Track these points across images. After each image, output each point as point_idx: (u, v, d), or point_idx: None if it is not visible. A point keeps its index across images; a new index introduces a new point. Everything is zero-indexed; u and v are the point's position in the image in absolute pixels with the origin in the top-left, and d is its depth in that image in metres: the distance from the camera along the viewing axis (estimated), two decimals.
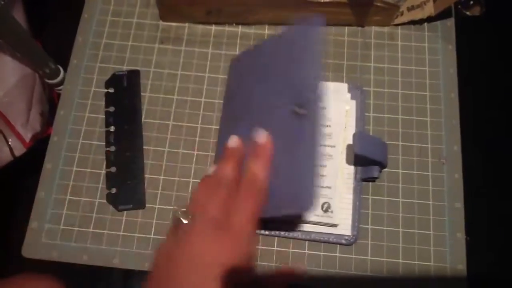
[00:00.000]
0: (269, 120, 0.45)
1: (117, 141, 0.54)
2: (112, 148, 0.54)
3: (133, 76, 0.57)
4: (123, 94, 0.56)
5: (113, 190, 0.52)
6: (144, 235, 0.51)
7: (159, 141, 0.54)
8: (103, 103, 0.56)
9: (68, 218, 0.52)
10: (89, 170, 0.53)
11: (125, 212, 0.52)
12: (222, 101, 0.56)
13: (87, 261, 0.50)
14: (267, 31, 0.59)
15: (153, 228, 0.51)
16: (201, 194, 0.40)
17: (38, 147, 0.55)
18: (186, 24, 0.59)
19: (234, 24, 0.59)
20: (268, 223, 0.50)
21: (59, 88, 0.93)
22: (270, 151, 0.42)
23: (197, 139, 0.54)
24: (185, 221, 0.38)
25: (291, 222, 0.51)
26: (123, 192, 0.52)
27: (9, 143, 0.93)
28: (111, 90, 0.56)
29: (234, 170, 0.41)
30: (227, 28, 0.59)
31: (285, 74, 0.46)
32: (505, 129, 0.56)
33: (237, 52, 0.58)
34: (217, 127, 0.55)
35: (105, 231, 0.51)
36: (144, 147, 0.54)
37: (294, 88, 0.44)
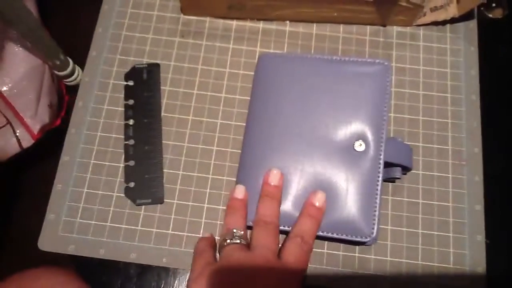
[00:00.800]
0: (326, 147, 0.49)
1: (136, 135, 0.53)
2: (131, 142, 0.53)
3: (153, 69, 0.56)
4: (143, 87, 0.55)
5: (131, 184, 0.52)
6: (162, 231, 0.51)
7: (178, 135, 0.54)
8: (122, 96, 0.55)
9: (86, 212, 0.51)
10: (107, 163, 0.53)
11: (143, 206, 0.51)
12: (242, 97, 0.55)
13: (104, 255, 0.50)
14: (288, 27, 0.58)
15: (171, 224, 0.51)
16: (257, 232, 0.46)
17: (46, 139, 0.54)
18: (207, 18, 0.58)
19: (255, 20, 0.58)
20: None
21: (68, 80, 0.92)
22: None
23: (217, 134, 0.54)
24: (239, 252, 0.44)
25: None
26: (142, 186, 0.52)
27: (17, 134, 0.92)
28: (131, 83, 0.55)
29: (277, 213, 0.48)
30: (248, 24, 0.58)
31: (348, 107, 0.50)
32: None
33: (257, 48, 0.57)
34: (237, 123, 0.54)
35: (123, 226, 0.51)
36: (163, 141, 0.53)
37: (359, 124, 0.49)
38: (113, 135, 0.54)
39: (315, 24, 0.58)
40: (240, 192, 0.48)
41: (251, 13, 0.57)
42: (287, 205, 0.48)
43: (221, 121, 0.54)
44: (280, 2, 0.55)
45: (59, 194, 0.52)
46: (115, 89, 0.55)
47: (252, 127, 0.52)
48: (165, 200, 0.52)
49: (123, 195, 0.52)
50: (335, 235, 0.47)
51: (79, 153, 0.53)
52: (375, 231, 0.47)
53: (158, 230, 0.51)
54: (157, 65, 0.56)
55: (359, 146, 0.48)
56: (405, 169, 0.50)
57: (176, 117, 0.55)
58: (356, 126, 0.49)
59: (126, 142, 0.53)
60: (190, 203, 0.52)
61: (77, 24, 0.59)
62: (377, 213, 0.48)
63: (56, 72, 1.03)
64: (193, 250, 0.49)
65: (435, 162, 0.53)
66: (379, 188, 0.48)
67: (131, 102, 0.55)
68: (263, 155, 0.50)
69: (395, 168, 0.50)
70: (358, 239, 0.47)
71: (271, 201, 0.47)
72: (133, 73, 0.56)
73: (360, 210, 0.47)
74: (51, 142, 0.54)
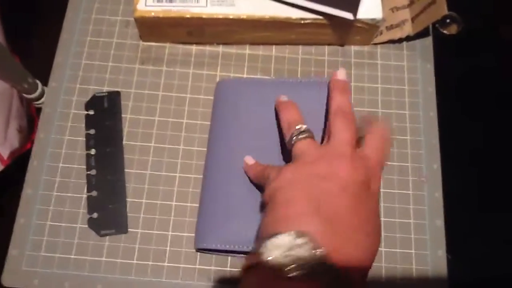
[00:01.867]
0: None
1: (98, 164, 0.53)
2: (93, 172, 0.53)
3: (114, 97, 0.56)
4: (104, 116, 0.55)
5: (95, 215, 0.52)
6: (127, 261, 0.51)
7: (140, 163, 0.54)
8: (83, 125, 0.55)
9: (49, 245, 0.51)
10: (70, 194, 0.53)
11: (107, 237, 0.51)
12: (203, 122, 0.55)
13: None
14: (248, 50, 0.59)
15: (136, 253, 0.51)
16: (337, 123, 0.42)
17: (17, 163, 0.53)
18: (167, 44, 0.59)
19: (215, 44, 0.59)
20: None
21: (38, 102, 0.92)
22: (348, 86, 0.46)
23: (179, 161, 0.54)
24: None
25: None
26: (105, 216, 0.52)
27: None
28: (91, 112, 0.55)
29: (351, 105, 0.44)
30: (208, 48, 0.59)
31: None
32: (484, 145, 0.57)
33: (218, 72, 0.58)
34: (200, 148, 0.55)
35: (88, 257, 0.51)
36: (125, 170, 0.54)
37: None
38: (75, 166, 0.54)
39: (274, 47, 0.59)
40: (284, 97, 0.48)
41: (211, 38, 0.58)
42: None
43: (183, 147, 0.55)
44: (238, 28, 0.55)
45: (22, 228, 0.51)
46: (76, 118, 0.55)
47: (213, 154, 0.52)
48: (129, 229, 0.52)
49: (86, 226, 0.52)
50: None
51: (42, 186, 0.53)
52: None
53: (123, 261, 0.51)
54: (118, 93, 0.56)
55: None
56: None
57: (138, 145, 0.55)
58: None
59: (88, 172, 0.53)
60: (154, 232, 0.52)
61: (50, 45, 0.59)
62: None
63: (25, 95, 1.03)
64: (162, 278, 0.50)
65: (395, 179, 0.54)
66: None
67: (92, 131, 0.55)
68: (225, 179, 0.50)
69: None
70: None
71: (344, 93, 0.44)
72: (94, 102, 0.56)
73: None
74: (22, 166, 0.53)
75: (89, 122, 0.55)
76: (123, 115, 0.56)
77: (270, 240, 0.35)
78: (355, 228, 0.36)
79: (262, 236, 0.37)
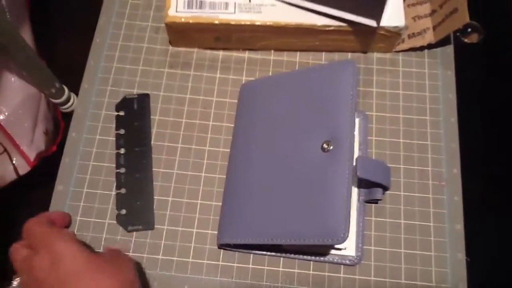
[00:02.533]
0: (296, 157, 0.49)
1: (127, 163, 0.55)
2: (122, 170, 0.55)
3: (144, 99, 0.58)
4: (133, 117, 0.57)
5: (123, 211, 0.54)
6: (153, 256, 0.52)
7: (168, 163, 0.56)
8: (113, 125, 0.57)
9: (79, 238, 0.53)
10: (99, 191, 0.55)
11: (134, 233, 0.53)
12: (229, 124, 0.57)
13: None
14: (273, 56, 0.61)
15: (161, 249, 0.53)
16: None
17: (42, 165, 0.56)
18: (195, 49, 0.61)
19: (241, 50, 0.61)
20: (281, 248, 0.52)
21: (64, 107, 0.95)
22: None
23: (205, 161, 0.56)
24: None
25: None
26: (133, 213, 0.54)
27: (14, 162, 0.94)
28: (122, 113, 0.58)
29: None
30: (234, 54, 0.61)
31: (315, 112, 0.49)
32: (504, 150, 0.58)
33: (243, 77, 0.60)
34: (225, 149, 0.56)
35: None
36: (153, 169, 0.55)
37: (325, 126, 0.48)
38: (105, 164, 0.56)
39: (298, 53, 0.61)
40: None
41: (237, 44, 0.60)
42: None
43: (209, 148, 0.57)
44: (264, 33, 0.57)
45: None
46: (107, 119, 0.58)
47: (235, 153, 0.54)
48: (155, 226, 0.53)
49: (115, 222, 0.53)
50: (306, 241, 0.45)
51: (73, 182, 0.55)
52: (347, 232, 0.44)
53: (148, 256, 0.52)
54: (147, 95, 0.58)
55: (328, 146, 0.47)
56: (384, 188, 0.52)
57: (166, 145, 0.57)
58: (326, 127, 0.48)
59: (118, 171, 0.55)
60: (179, 228, 0.53)
61: (74, 53, 0.61)
62: (362, 234, 0.49)
63: (52, 100, 1.06)
64: (183, 274, 0.51)
65: (416, 183, 0.55)
66: (361, 210, 0.50)
67: (122, 131, 0.57)
68: (246, 178, 0.52)
69: (375, 189, 0.52)
70: (329, 241, 0.44)
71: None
72: (124, 104, 0.58)
73: (330, 213, 0.45)
74: (47, 168, 0.55)
75: (119, 122, 0.57)
76: (152, 117, 0.58)
77: None
78: None
79: None
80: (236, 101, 0.58)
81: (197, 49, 0.61)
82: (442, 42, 0.60)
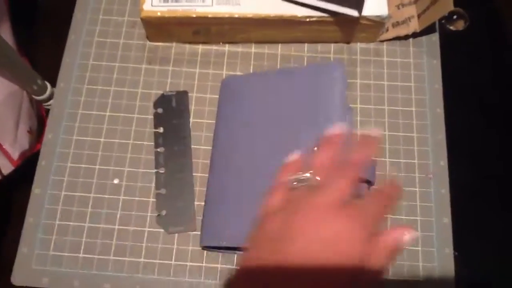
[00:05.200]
0: (283, 159, 0.46)
1: (167, 163, 0.54)
2: (162, 170, 0.54)
3: (182, 96, 0.57)
4: (172, 114, 0.56)
5: (163, 212, 0.53)
6: (135, 259, 0.51)
7: (147, 162, 0.54)
8: (90, 125, 0.56)
9: (58, 243, 0.52)
10: (78, 194, 0.53)
11: (114, 236, 0.52)
12: (209, 121, 0.56)
13: (78, 287, 0.50)
14: (254, 49, 0.59)
15: (143, 252, 0.51)
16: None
17: (27, 164, 0.54)
18: (173, 44, 0.59)
19: (221, 43, 0.59)
20: None
21: (47, 104, 0.92)
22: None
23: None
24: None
25: None
26: (174, 214, 0.53)
27: None
28: (160, 111, 0.56)
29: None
30: (214, 47, 0.59)
31: (304, 115, 0.49)
32: (492, 140, 0.57)
33: (224, 71, 0.58)
34: (206, 147, 0.55)
35: (95, 256, 0.51)
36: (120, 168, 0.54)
37: (315, 129, 0.45)
38: (83, 165, 0.54)
39: (280, 45, 0.59)
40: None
41: (216, 37, 0.58)
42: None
43: (192, 146, 0.55)
44: (243, 26, 0.56)
45: (29, 227, 0.52)
46: (84, 119, 0.56)
47: (217, 153, 0.53)
48: (136, 228, 0.52)
49: (94, 225, 0.52)
50: None
51: (50, 185, 0.53)
52: None
53: (130, 259, 0.51)
54: (185, 92, 0.57)
55: None
56: (369, 183, 0.51)
57: (145, 144, 0.55)
58: (317, 128, 0.45)
59: (157, 170, 0.54)
60: (161, 231, 0.52)
61: (56, 49, 0.59)
62: None
63: (35, 97, 1.04)
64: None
65: (402, 176, 0.54)
66: None
67: (161, 129, 0.55)
68: (229, 177, 0.51)
69: (360, 185, 0.50)
70: None
71: (368, 148, 0.37)
72: (162, 101, 0.57)
73: None
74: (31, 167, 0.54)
75: (158, 120, 0.56)
76: (130, 115, 0.56)
77: None
78: None
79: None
80: (217, 96, 0.57)
81: (176, 44, 0.59)
82: (427, 30, 0.58)
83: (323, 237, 0.31)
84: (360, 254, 0.30)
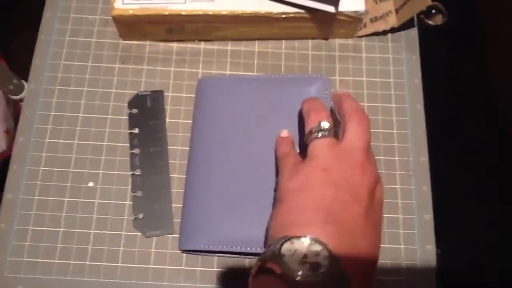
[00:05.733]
0: (265, 165, 0.48)
1: (142, 165, 0.53)
2: (138, 172, 0.53)
3: (157, 96, 0.55)
4: (147, 115, 0.55)
5: (140, 215, 0.51)
6: (111, 264, 0.50)
7: (122, 164, 0.53)
8: (63, 127, 0.54)
9: (32, 249, 0.50)
10: (51, 198, 0.52)
11: (91, 240, 0.50)
12: (186, 121, 0.54)
13: None
14: (230, 47, 0.58)
15: (120, 256, 0.50)
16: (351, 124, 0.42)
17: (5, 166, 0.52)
18: (147, 42, 0.58)
19: (196, 41, 0.58)
20: None
21: None
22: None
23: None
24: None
25: None
26: (151, 217, 0.51)
27: None
28: (135, 111, 0.55)
29: None
30: (189, 45, 0.58)
31: (286, 125, 0.48)
32: (472, 135, 0.56)
33: (200, 70, 0.57)
34: (183, 147, 0.54)
35: (71, 262, 0.50)
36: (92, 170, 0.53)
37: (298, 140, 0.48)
38: (56, 169, 0.53)
39: (256, 42, 0.58)
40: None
41: (191, 35, 0.57)
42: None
43: (169, 147, 0.54)
44: (218, 23, 0.54)
45: (1, 233, 0.50)
46: (56, 121, 0.54)
47: (195, 154, 0.52)
48: (114, 232, 0.51)
49: (68, 230, 0.51)
50: None
51: (22, 190, 0.52)
52: None
53: (106, 264, 0.50)
54: (161, 92, 0.56)
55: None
56: None
57: (120, 146, 0.54)
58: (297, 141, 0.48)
59: (133, 172, 0.52)
60: (138, 234, 0.51)
61: (32, 47, 0.57)
62: None
63: (11, 97, 1.01)
64: None
65: (383, 174, 0.53)
66: None
67: (136, 130, 0.54)
68: (208, 179, 0.50)
69: None
70: None
71: (354, 99, 0.44)
72: (137, 101, 0.55)
73: None
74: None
75: (133, 121, 0.54)
76: (104, 116, 0.55)
77: (284, 244, 0.34)
78: (364, 238, 0.36)
79: (272, 239, 0.37)
80: (192, 95, 0.55)
81: (150, 42, 0.58)
82: (405, 25, 0.57)
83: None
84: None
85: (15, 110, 1.04)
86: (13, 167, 0.53)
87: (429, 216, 0.52)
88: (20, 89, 0.98)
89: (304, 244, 0.34)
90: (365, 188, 0.38)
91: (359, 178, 0.38)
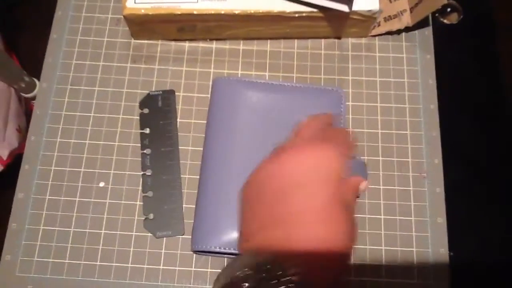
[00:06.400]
0: None
1: (153, 165, 0.53)
2: (148, 172, 0.53)
3: (169, 96, 0.55)
4: (158, 115, 0.55)
5: (151, 216, 0.51)
6: (122, 264, 0.50)
7: (134, 164, 0.53)
8: (74, 127, 0.54)
9: (43, 250, 0.50)
10: (63, 198, 0.52)
11: (101, 241, 0.50)
12: (197, 121, 0.54)
13: None
14: (242, 46, 0.57)
15: (130, 257, 0.50)
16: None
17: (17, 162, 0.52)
18: (159, 42, 0.57)
19: (208, 40, 0.57)
20: None
21: None
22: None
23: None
24: None
25: None
26: (161, 218, 0.51)
27: None
28: (146, 111, 0.55)
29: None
30: (201, 44, 0.57)
31: None
32: (485, 138, 0.56)
33: (212, 69, 0.56)
34: (194, 148, 0.53)
35: (82, 262, 0.50)
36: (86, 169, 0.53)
37: None
38: (67, 169, 0.53)
39: (269, 41, 0.58)
40: None
41: (203, 34, 0.56)
42: None
43: (180, 147, 0.53)
44: (230, 22, 0.54)
45: (13, 233, 0.51)
46: (68, 120, 0.54)
47: (209, 154, 0.51)
48: (119, 232, 0.51)
49: (79, 230, 0.51)
50: None
51: (34, 190, 0.52)
52: None
53: (117, 264, 0.50)
54: (172, 91, 0.55)
55: None
56: None
57: (131, 146, 0.54)
58: None
59: (144, 173, 0.52)
60: (149, 234, 0.51)
61: (44, 45, 0.57)
62: None
63: (23, 95, 1.02)
64: None
65: (395, 175, 0.53)
66: None
67: (147, 130, 0.53)
68: (221, 180, 0.49)
69: None
70: None
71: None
72: (148, 101, 0.55)
73: None
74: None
75: (144, 121, 0.54)
76: (115, 115, 0.54)
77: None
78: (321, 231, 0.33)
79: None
80: (204, 95, 0.55)
81: (161, 41, 0.57)
82: (420, 24, 0.56)
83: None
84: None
85: (27, 108, 1.05)
86: (24, 167, 0.53)
87: (442, 219, 0.52)
88: (32, 87, 0.99)
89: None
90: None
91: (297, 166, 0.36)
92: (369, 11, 0.53)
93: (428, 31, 0.58)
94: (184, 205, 0.52)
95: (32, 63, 0.54)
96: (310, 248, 0.33)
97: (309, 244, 0.33)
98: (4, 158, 0.92)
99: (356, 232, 0.35)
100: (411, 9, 0.56)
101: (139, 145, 0.53)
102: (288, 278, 0.30)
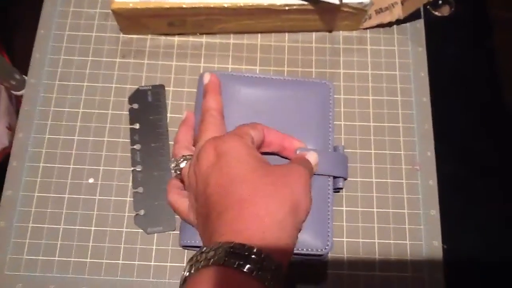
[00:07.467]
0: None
1: (143, 160, 0.52)
2: (138, 168, 0.52)
3: (158, 91, 0.55)
4: (148, 110, 0.54)
5: (141, 212, 0.51)
6: (112, 261, 0.49)
7: (123, 160, 0.52)
8: (63, 123, 0.53)
9: (32, 247, 0.49)
10: (51, 195, 0.51)
11: (91, 238, 0.50)
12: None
13: None
14: (232, 40, 0.57)
15: (121, 253, 0.49)
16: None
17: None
18: (148, 36, 0.57)
19: (198, 34, 0.57)
20: None
21: None
22: (216, 85, 0.47)
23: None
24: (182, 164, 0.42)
25: None
26: (152, 214, 0.51)
27: None
28: (136, 106, 0.54)
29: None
30: (191, 39, 0.57)
31: (292, 129, 0.47)
32: (478, 132, 0.55)
33: (202, 64, 0.56)
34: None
35: (71, 259, 0.49)
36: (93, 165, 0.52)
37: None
38: (56, 165, 0.52)
39: (259, 35, 0.57)
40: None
41: (193, 28, 0.56)
42: None
43: (170, 143, 0.53)
44: (220, 16, 0.53)
45: (1, 231, 0.50)
46: (56, 116, 0.54)
47: None
48: (112, 229, 0.50)
49: (69, 227, 0.50)
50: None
51: (22, 187, 0.51)
52: (329, 243, 0.46)
53: (107, 261, 0.49)
54: (162, 86, 0.55)
55: None
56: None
57: (121, 141, 0.53)
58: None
59: (134, 168, 0.51)
60: (139, 230, 0.50)
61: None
62: (330, 225, 0.47)
63: (14, 92, 1.01)
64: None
65: (388, 168, 0.53)
66: (330, 200, 0.47)
67: (137, 126, 0.53)
68: None
69: (337, 179, 0.48)
70: (314, 252, 0.45)
71: (211, 94, 0.46)
72: (138, 96, 0.55)
73: (313, 224, 0.46)
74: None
75: (134, 116, 0.54)
76: (104, 111, 0.54)
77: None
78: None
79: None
80: (194, 90, 0.54)
81: (151, 36, 0.57)
82: (411, 17, 0.56)
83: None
84: None
85: (17, 106, 1.04)
86: (12, 164, 0.52)
87: (435, 211, 0.51)
88: (23, 84, 0.98)
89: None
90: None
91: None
92: (360, 3, 0.52)
93: (419, 24, 0.58)
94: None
95: (26, 62, 0.54)
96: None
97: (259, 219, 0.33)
98: None
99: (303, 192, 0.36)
100: (402, 2, 0.56)
101: (129, 140, 0.53)
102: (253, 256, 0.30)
